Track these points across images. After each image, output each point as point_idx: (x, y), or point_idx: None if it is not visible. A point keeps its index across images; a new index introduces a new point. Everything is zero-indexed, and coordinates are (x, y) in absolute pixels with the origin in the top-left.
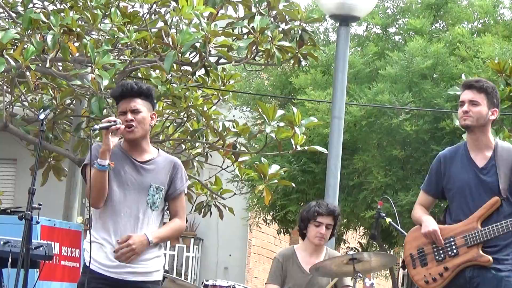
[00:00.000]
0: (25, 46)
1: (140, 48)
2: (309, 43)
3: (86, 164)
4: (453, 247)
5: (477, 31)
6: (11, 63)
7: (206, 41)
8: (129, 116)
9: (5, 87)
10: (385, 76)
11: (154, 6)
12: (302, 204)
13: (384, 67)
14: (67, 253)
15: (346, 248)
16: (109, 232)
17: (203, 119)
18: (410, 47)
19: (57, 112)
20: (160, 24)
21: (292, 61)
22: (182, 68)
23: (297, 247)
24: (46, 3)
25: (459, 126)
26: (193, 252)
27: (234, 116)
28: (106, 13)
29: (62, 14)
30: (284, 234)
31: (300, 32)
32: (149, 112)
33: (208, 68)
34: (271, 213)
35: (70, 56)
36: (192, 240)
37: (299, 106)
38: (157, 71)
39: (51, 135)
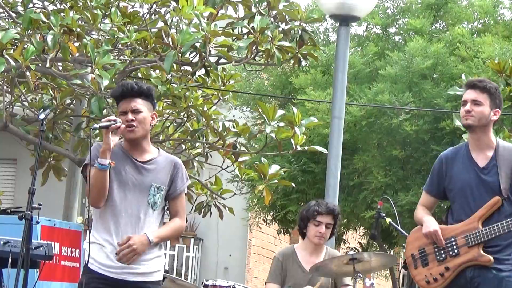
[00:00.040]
0: (25, 46)
1: (140, 48)
2: (309, 43)
3: (86, 164)
4: (454, 247)
5: (477, 31)
6: (11, 63)
7: (206, 41)
8: (130, 116)
9: (5, 87)
10: (385, 76)
11: (154, 6)
12: (302, 204)
13: (384, 67)
14: (67, 253)
15: (346, 248)
16: (110, 232)
17: (203, 119)
18: (410, 47)
19: (57, 112)
20: (160, 24)
21: (292, 61)
22: (182, 68)
23: (297, 246)
24: (46, 3)
25: (459, 126)
26: (193, 252)
27: (234, 116)
28: (106, 13)
29: (62, 14)
30: (284, 234)
31: (300, 32)
32: (149, 112)
33: (208, 68)
34: (271, 213)
35: (70, 56)
36: (192, 240)
37: (299, 106)
38: (157, 71)
39: (51, 135)
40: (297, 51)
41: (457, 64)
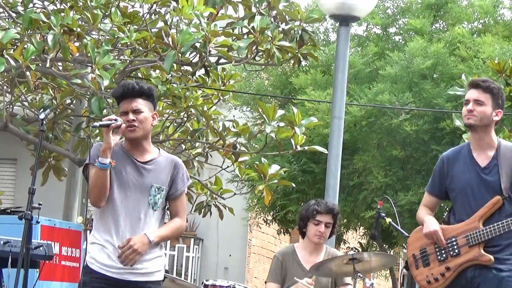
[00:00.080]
0: (25, 46)
1: (140, 48)
2: (309, 43)
3: (87, 164)
4: (455, 247)
5: (477, 31)
6: (11, 63)
7: (206, 41)
8: (131, 116)
9: (5, 87)
10: (385, 76)
11: (154, 6)
12: (302, 204)
13: (384, 67)
14: (67, 253)
15: (346, 248)
16: (111, 232)
17: (203, 119)
18: (410, 47)
19: (57, 112)
20: (160, 24)
21: (292, 61)
22: (182, 68)
23: (297, 246)
24: (46, 3)
25: (459, 126)
26: (193, 252)
27: (234, 116)
28: (106, 13)
29: (62, 14)
30: (284, 234)
31: (300, 32)
32: (150, 112)
33: (208, 68)
34: (271, 213)
35: (70, 56)
36: (192, 240)
37: (299, 106)
38: (157, 71)
39: (51, 135)
40: (297, 51)
41: (457, 64)
